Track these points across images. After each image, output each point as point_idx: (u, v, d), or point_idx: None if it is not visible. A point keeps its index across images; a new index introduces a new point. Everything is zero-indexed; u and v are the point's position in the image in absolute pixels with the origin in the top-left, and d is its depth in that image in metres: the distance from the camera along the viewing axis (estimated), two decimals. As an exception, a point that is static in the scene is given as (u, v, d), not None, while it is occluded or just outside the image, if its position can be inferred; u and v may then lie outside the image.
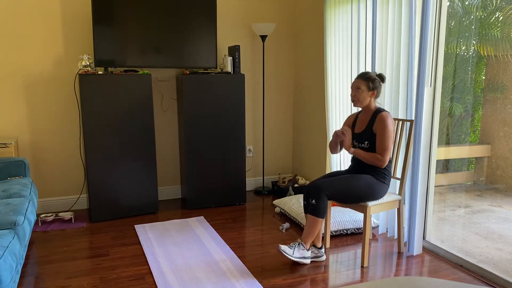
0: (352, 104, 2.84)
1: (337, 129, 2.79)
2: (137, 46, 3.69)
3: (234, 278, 2.63)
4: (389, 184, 2.83)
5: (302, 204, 2.83)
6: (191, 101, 3.81)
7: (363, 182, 2.72)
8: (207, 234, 3.35)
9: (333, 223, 3.29)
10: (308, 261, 2.78)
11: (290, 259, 2.73)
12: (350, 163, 2.97)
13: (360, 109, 3.28)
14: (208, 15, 3.87)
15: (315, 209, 2.68)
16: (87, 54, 3.82)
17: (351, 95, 2.81)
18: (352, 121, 2.98)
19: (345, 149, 2.79)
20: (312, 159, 4.42)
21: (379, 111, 2.78)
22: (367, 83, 2.75)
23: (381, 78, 2.79)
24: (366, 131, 2.80)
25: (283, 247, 2.70)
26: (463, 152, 4.32)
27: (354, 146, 2.89)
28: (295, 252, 2.72)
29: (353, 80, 3.61)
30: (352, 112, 3.66)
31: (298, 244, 2.75)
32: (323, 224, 3.22)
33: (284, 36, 4.56)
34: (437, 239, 3.31)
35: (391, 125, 2.70)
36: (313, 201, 2.68)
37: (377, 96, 2.81)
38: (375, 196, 2.75)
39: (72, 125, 3.90)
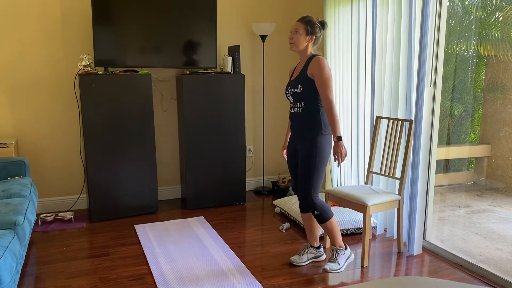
0: (290, 47, 2.74)
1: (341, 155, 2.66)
2: (137, 46, 3.69)
3: (234, 278, 2.63)
4: (331, 134, 2.68)
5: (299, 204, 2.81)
6: (191, 101, 3.81)
7: (314, 154, 2.62)
8: (207, 234, 3.35)
9: (333, 223, 3.29)
10: (352, 255, 2.82)
11: (342, 271, 2.75)
12: (291, 129, 2.82)
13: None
14: (208, 15, 3.87)
15: (322, 216, 2.68)
16: (87, 54, 3.82)
17: (289, 37, 2.69)
18: (291, 73, 2.84)
19: (344, 151, 2.62)
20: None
21: (315, 55, 2.64)
22: (306, 26, 2.63)
23: (322, 24, 2.67)
24: (300, 75, 2.66)
25: (329, 267, 2.69)
26: (463, 152, 4.32)
27: (288, 93, 2.75)
28: (340, 261, 2.73)
29: (352, 78, 3.61)
30: (352, 112, 3.66)
31: (336, 251, 2.74)
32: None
33: (284, 36, 4.56)
34: (437, 239, 3.31)
35: (327, 66, 2.57)
36: (315, 212, 2.68)
37: (315, 42, 2.69)
38: (328, 147, 2.66)
39: (72, 125, 3.90)
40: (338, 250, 2.75)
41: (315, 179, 2.64)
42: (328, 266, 2.70)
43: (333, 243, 2.76)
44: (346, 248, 2.78)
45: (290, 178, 4.48)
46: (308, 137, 2.65)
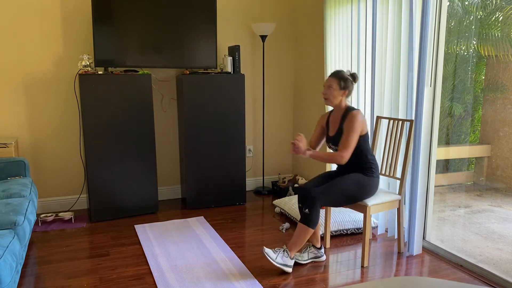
0: (324, 102, 2.83)
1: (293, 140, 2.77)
2: (137, 46, 3.69)
3: (234, 278, 2.63)
4: (379, 177, 2.80)
5: (298, 207, 2.80)
6: (191, 101, 3.81)
7: (353, 182, 2.69)
8: (207, 234, 3.35)
9: (333, 223, 3.29)
10: (289, 269, 2.70)
11: (272, 263, 2.68)
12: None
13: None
14: (208, 15, 3.87)
15: (308, 219, 2.63)
16: (87, 54, 3.82)
17: (323, 93, 2.79)
18: (325, 122, 2.94)
19: (301, 154, 2.65)
20: (312, 159, 4.42)
21: (349, 109, 2.75)
22: (339, 81, 2.73)
23: (353, 77, 2.77)
24: (338, 132, 2.77)
25: (267, 250, 2.66)
26: (463, 152, 4.32)
27: (331, 148, 2.86)
28: (278, 258, 2.67)
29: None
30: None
31: (283, 251, 2.71)
32: (323, 224, 3.23)
33: (284, 36, 4.56)
34: (437, 239, 3.31)
35: (359, 123, 2.67)
36: (307, 210, 2.63)
37: (348, 95, 2.78)
38: (369, 192, 2.73)
39: (72, 125, 3.90)
40: (286, 253, 2.70)
41: (339, 196, 2.68)
42: (268, 250, 2.67)
43: (289, 245, 2.72)
44: (292, 259, 2.72)
45: (290, 178, 4.48)
46: (358, 172, 2.77)
